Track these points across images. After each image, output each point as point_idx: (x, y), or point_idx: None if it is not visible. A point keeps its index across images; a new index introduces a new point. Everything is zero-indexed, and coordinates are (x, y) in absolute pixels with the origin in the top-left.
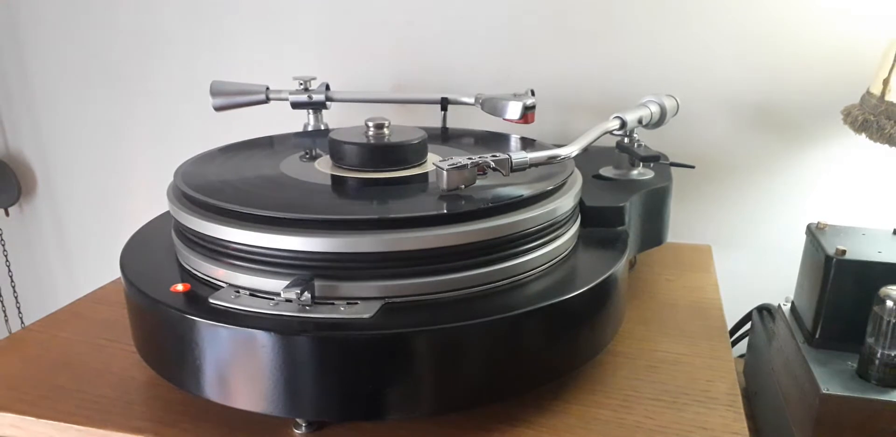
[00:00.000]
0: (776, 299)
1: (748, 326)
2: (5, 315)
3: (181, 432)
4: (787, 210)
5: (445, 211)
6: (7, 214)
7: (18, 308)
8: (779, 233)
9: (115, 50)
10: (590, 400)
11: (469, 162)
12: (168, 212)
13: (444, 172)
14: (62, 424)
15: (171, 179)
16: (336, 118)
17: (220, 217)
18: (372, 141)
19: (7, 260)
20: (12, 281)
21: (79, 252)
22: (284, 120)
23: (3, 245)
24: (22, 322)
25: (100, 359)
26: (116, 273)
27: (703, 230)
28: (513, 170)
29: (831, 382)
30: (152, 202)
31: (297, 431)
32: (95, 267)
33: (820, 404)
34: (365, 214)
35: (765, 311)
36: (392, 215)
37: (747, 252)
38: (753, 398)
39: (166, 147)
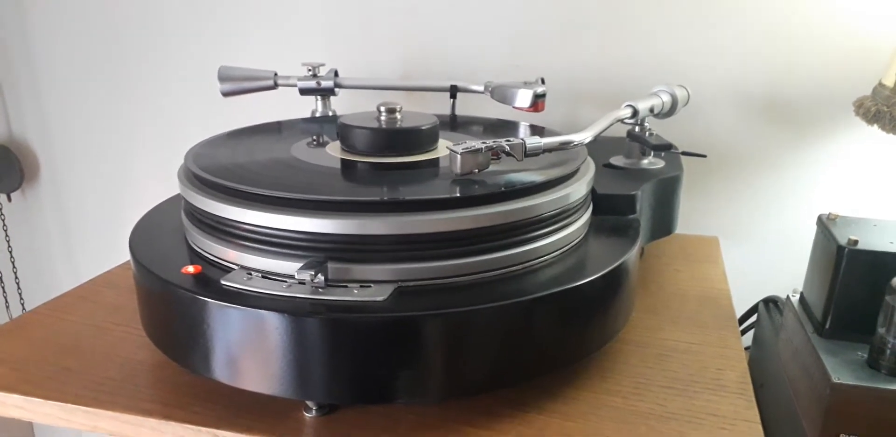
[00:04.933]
0: (782, 291)
1: (754, 318)
2: (6, 301)
3: (191, 414)
4: (794, 202)
5: (459, 195)
6: (10, 199)
7: (20, 294)
8: (785, 225)
9: (121, 35)
10: (601, 387)
11: (483, 146)
12: (175, 196)
13: (458, 156)
14: (69, 405)
15: (175, 165)
16: (344, 105)
17: (234, 198)
18: (384, 126)
19: (9, 245)
20: (14, 267)
21: (81, 238)
22: (291, 107)
23: (6, 231)
24: (23, 308)
25: (106, 342)
26: (119, 259)
27: (710, 222)
28: (526, 155)
29: (842, 371)
30: (155, 188)
31: (307, 414)
32: (97, 253)
33: (830, 393)
34: (379, 197)
35: (771, 303)
36: (406, 198)
37: (753, 244)
38: (760, 390)
39: (170, 133)
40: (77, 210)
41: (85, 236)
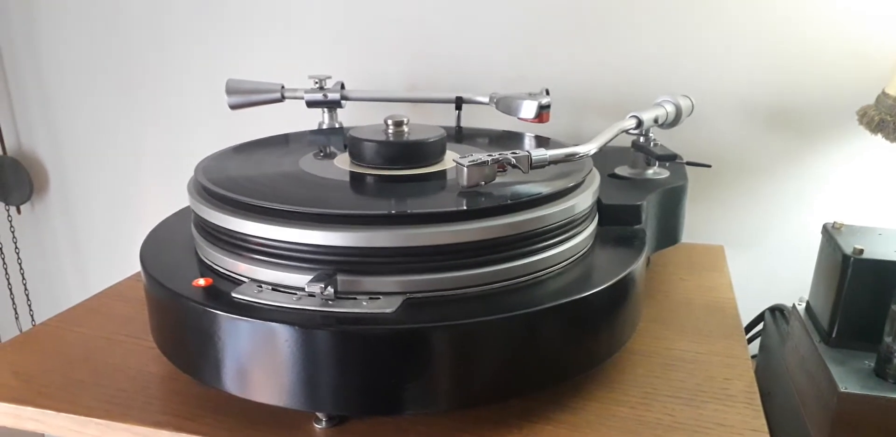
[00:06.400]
0: (788, 299)
1: (760, 326)
2: (16, 313)
3: (202, 426)
4: (799, 211)
5: (465, 207)
6: (19, 211)
7: (29, 306)
8: (790, 234)
9: (129, 49)
10: (608, 397)
11: (489, 159)
12: (185, 208)
13: (465, 169)
14: (82, 417)
15: (183, 177)
16: (350, 117)
17: (244, 212)
18: (391, 139)
19: (19, 257)
20: (24, 279)
21: (90, 250)
22: (298, 119)
23: (15, 243)
24: (33, 320)
25: (118, 354)
26: (127, 271)
27: (716, 231)
28: (532, 167)
29: (849, 380)
30: (164, 200)
31: (317, 425)
32: (106, 265)
33: (838, 402)
34: (387, 210)
35: (777, 311)
36: (414, 211)
37: (758, 253)
38: (767, 399)
39: (178, 145)
40: (86, 222)
41: (94, 247)
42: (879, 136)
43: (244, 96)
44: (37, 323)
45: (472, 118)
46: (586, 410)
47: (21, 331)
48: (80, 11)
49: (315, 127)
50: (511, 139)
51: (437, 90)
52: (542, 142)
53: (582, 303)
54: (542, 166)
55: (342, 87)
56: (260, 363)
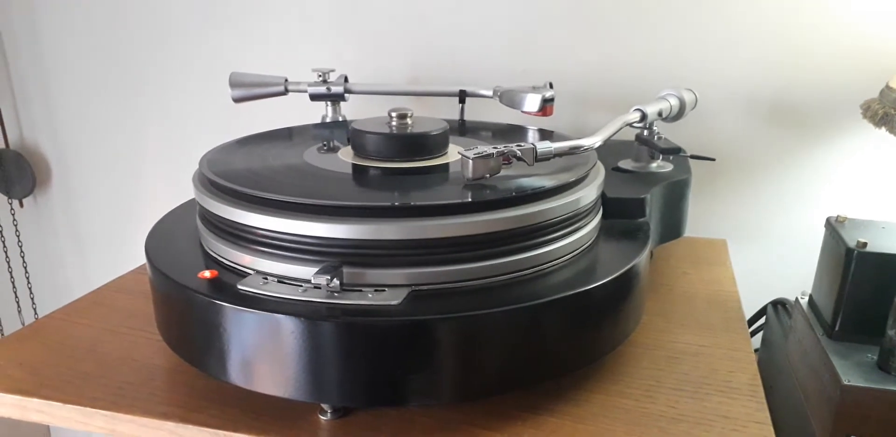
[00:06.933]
0: (790, 293)
1: (762, 320)
2: (19, 306)
3: (208, 417)
4: (802, 205)
5: (471, 199)
6: (21, 205)
7: (32, 299)
8: (793, 228)
9: (131, 42)
10: (612, 390)
11: (494, 151)
12: (189, 201)
13: (470, 161)
14: (88, 409)
15: (185, 170)
16: (353, 110)
17: (249, 204)
18: (395, 131)
19: (21, 251)
20: (26, 272)
21: (92, 243)
22: (301, 112)
23: (18, 236)
24: (35, 313)
25: (122, 346)
26: (130, 264)
27: (719, 224)
28: (537, 159)
29: (852, 373)
30: (166, 193)
31: (322, 417)
32: (109, 258)
33: (841, 395)
34: (392, 202)
35: (779, 305)
36: (420, 203)
37: (761, 247)
38: (769, 393)
39: (180, 138)
40: (88, 215)
41: (96, 240)
42: (883, 129)
43: (247, 89)
44: (39, 316)
45: (476, 112)
46: (590, 402)
47: (24, 324)
48: (82, 4)
49: (318, 120)
50: (514, 133)
51: (440, 84)
52: (545, 135)
53: (586, 296)
54: (548, 159)
55: (346, 80)
56: (265, 355)
